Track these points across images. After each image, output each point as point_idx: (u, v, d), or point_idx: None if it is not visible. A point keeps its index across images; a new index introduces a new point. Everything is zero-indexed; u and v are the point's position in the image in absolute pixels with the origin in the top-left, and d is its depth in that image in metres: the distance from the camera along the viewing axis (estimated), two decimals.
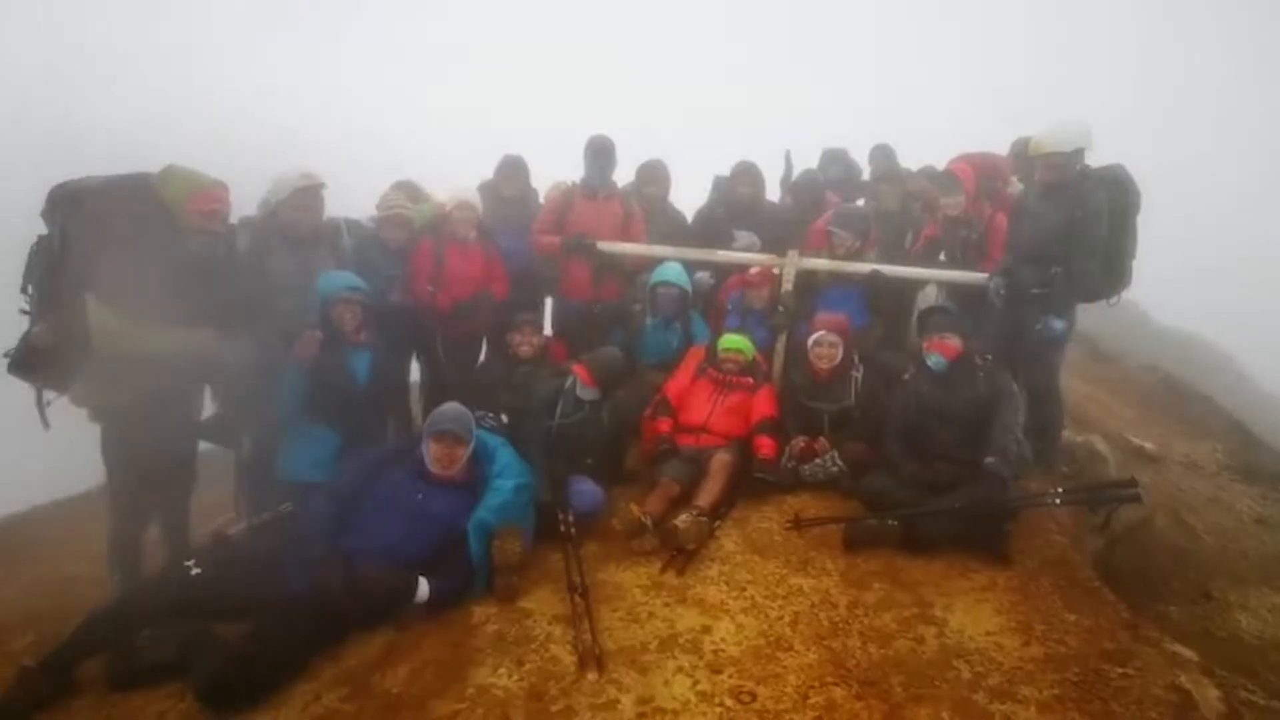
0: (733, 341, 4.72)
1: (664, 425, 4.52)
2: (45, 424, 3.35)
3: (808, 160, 6.88)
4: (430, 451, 3.48)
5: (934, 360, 4.10)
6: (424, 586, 3.09)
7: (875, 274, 4.87)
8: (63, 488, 5.56)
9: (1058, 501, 3.58)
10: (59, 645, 2.83)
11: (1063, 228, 4.28)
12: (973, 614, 3.03)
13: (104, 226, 3.14)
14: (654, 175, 5.76)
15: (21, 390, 3.36)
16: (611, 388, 4.40)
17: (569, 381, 4.41)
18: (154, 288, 3.17)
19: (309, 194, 4.15)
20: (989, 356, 4.22)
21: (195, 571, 2.96)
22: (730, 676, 2.63)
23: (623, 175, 5.73)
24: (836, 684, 2.59)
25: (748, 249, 5.52)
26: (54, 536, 4.86)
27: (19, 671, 2.78)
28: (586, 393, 4.32)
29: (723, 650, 2.79)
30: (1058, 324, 4.38)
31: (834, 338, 4.47)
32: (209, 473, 4.35)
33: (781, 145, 6.95)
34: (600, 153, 5.42)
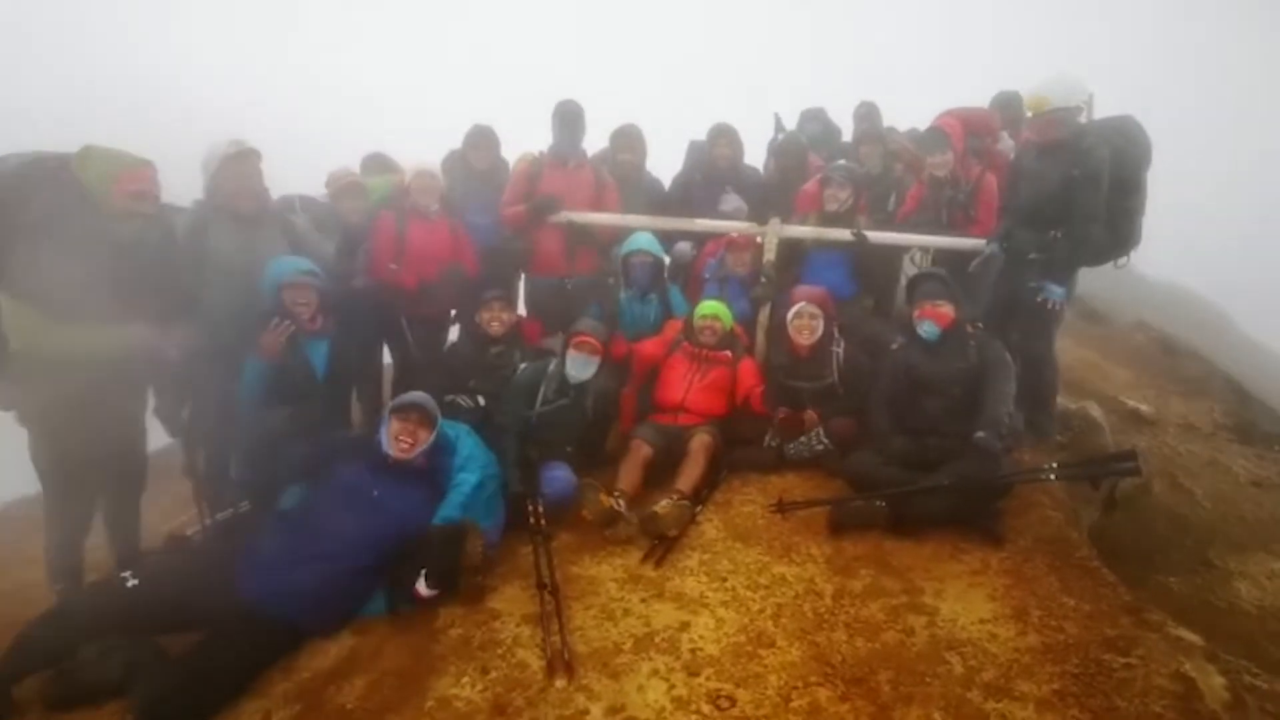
0: (710, 307, 4.48)
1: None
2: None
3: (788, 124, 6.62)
4: (391, 430, 3.30)
5: (926, 329, 3.88)
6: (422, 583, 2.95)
7: (860, 239, 4.64)
8: (13, 489, 5.36)
9: (1053, 477, 3.40)
10: None
11: (1060, 188, 4.03)
12: (965, 600, 2.87)
13: (16, 213, 2.87)
14: (629, 141, 5.46)
15: None
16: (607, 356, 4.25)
17: (552, 365, 4.20)
18: (77, 280, 2.91)
19: (241, 161, 3.77)
20: (980, 324, 4.02)
21: (131, 584, 2.75)
22: (708, 679, 2.47)
23: (591, 144, 5.47)
24: (821, 684, 2.43)
25: (735, 212, 5.28)
26: (5, 541, 4.68)
27: None
28: (586, 367, 4.10)
29: (701, 649, 2.63)
30: (1057, 289, 4.14)
31: (814, 309, 4.24)
32: (166, 470, 4.16)
33: (766, 109, 6.68)
34: (569, 118, 5.14)
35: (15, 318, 2.87)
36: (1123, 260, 4.25)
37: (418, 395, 3.44)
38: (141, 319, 3.17)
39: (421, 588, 2.94)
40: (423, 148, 5.32)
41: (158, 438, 3.80)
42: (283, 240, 3.94)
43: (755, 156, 6.04)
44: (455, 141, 5.36)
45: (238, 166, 3.75)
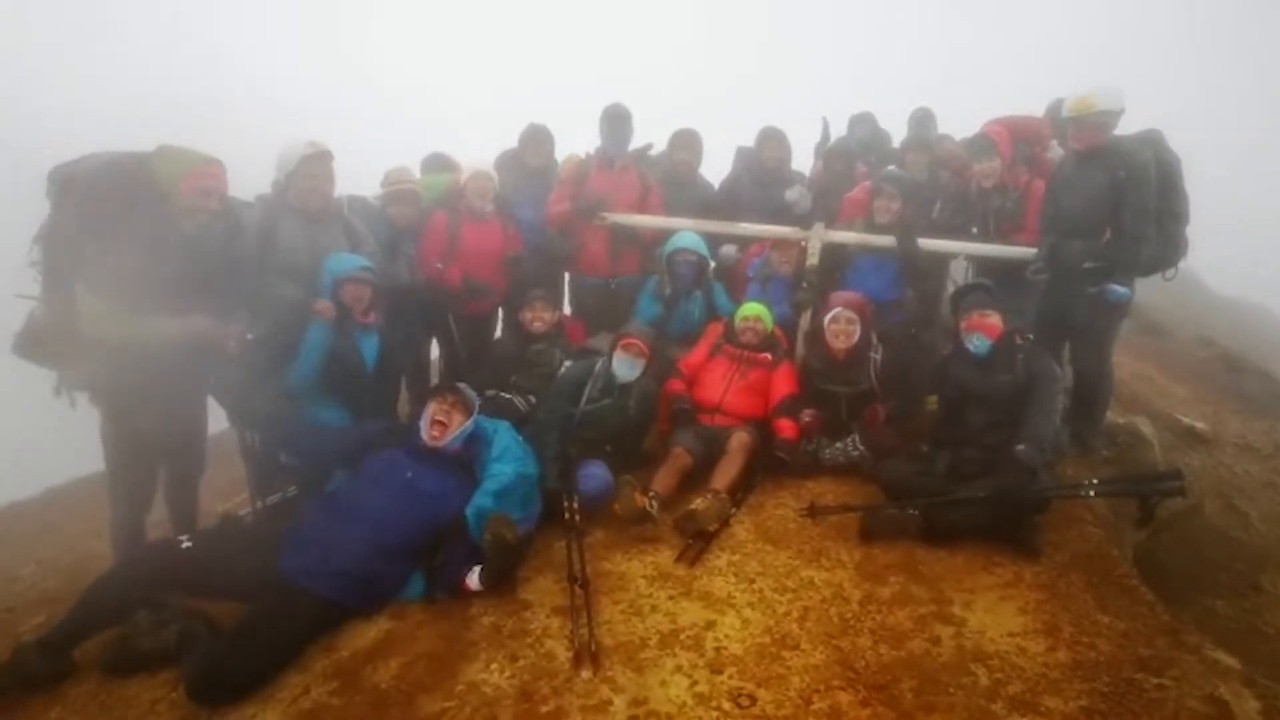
0: (751, 309, 4.52)
1: (676, 385, 4.39)
2: (73, 403, 3.34)
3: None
4: (429, 412, 3.42)
5: (976, 343, 3.82)
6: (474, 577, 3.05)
7: (905, 244, 4.61)
8: (81, 466, 5.66)
9: (1093, 494, 3.33)
10: (55, 624, 2.84)
11: (1108, 192, 3.96)
12: (994, 613, 2.84)
13: (93, 208, 3.07)
14: (687, 141, 5.55)
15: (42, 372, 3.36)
16: (653, 359, 4.30)
17: (599, 364, 4.28)
18: (146, 271, 3.10)
19: (318, 162, 3.96)
20: (1029, 336, 3.96)
21: (186, 545, 2.94)
22: (731, 677, 2.50)
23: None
24: (843, 688, 2.44)
25: (800, 199, 5.30)
26: (71, 515, 4.96)
27: (15, 648, 2.78)
28: (633, 369, 4.16)
29: (725, 648, 2.66)
30: (1120, 289, 4.01)
31: (850, 314, 4.23)
32: (224, 453, 4.36)
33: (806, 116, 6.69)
34: (617, 121, 5.23)
35: (89, 305, 3.07)
36: (1170, 272, 4.12)
37: (459, 385, 3.57)
38: (204, 310, 3.35)
39: (472, 582, 3.03)
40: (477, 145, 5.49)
41: (215, 422, 4.00)
42: (344, 239, 4.11)
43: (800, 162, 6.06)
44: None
45: (313, 166, 3.93)
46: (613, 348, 4.26)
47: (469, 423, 3.47)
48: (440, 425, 3.40)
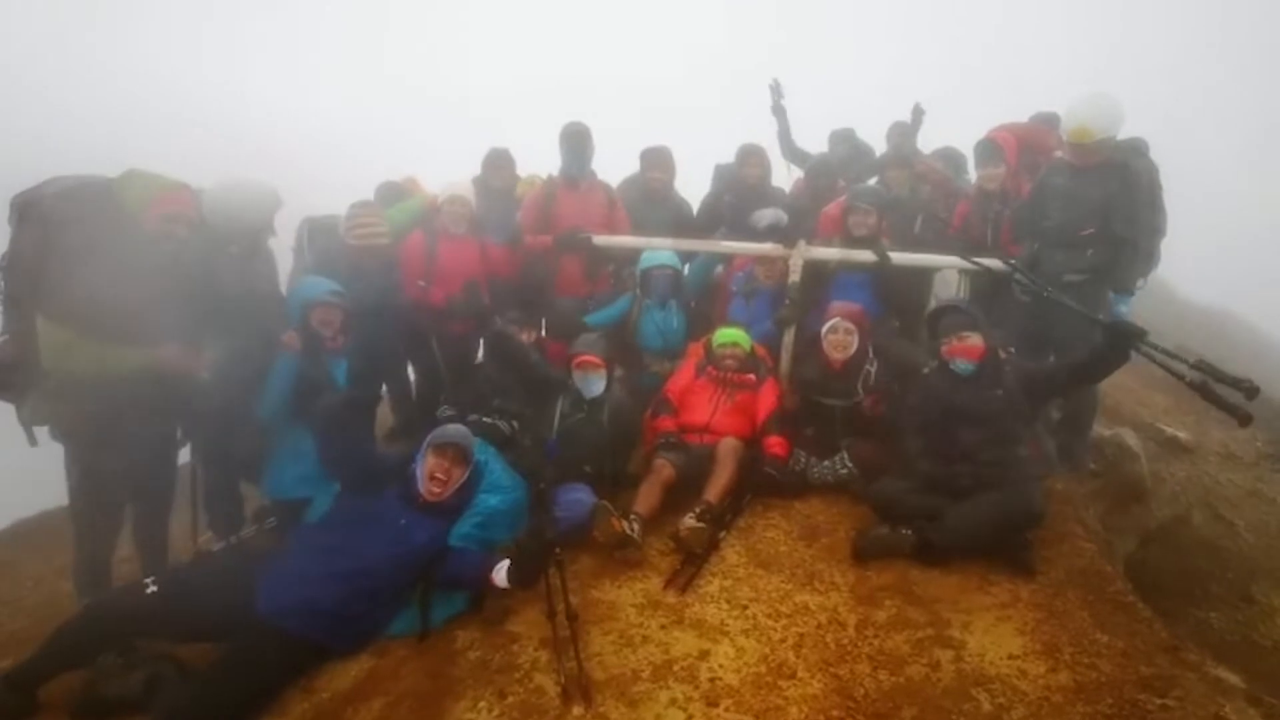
0: (729, 335, 4.47)
1: (667, 423, 4.28)
2: (31, 440, 3.20)
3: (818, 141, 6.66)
4: (427, 464, 3.28)
5: (960, 366, 3.76)
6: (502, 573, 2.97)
7: (883, 260, 4.60)
8: (50, 500, 5.44)
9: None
10: (20, 663, 2.71)
11: (1099, 205, 3.96)
12: (993, 634, 2.79)
13: (56, 235, 2.96)
14: (659, 160, 5.50)
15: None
16: (612, 368, 4.25)
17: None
18: (111, 299, 2.98)
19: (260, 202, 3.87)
20: (1012, 350, 3.94)
21: (151, 590, 2.79)
22: (727, 709, 2.42)
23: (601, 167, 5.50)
24: (843, 718, 2.38)
25: (775, 223, 5.24)
26: (38, 552, 4.76)
27: None
28: (596, 384, 4.11)
29: (720, 679, 2.58)
30: (1123, 307, 4.03)
31: (849, 325, 4.20)
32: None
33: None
34: (576, 140, 5.19)
35: (48, 337, 2.95)
36: (1140, 282, 4.14)
37: (457, 433, 3.42)
38: (173, 338, 3.24)
39: (500, 578, 2.95)
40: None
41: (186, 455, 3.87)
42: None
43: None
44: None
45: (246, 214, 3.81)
46: (569, 369, 4.22)
47: (466, 473, 3.37)
48: (439, 482, 3.28)
